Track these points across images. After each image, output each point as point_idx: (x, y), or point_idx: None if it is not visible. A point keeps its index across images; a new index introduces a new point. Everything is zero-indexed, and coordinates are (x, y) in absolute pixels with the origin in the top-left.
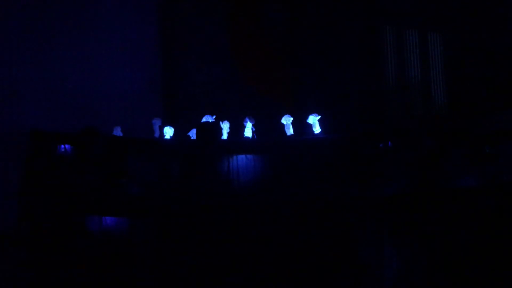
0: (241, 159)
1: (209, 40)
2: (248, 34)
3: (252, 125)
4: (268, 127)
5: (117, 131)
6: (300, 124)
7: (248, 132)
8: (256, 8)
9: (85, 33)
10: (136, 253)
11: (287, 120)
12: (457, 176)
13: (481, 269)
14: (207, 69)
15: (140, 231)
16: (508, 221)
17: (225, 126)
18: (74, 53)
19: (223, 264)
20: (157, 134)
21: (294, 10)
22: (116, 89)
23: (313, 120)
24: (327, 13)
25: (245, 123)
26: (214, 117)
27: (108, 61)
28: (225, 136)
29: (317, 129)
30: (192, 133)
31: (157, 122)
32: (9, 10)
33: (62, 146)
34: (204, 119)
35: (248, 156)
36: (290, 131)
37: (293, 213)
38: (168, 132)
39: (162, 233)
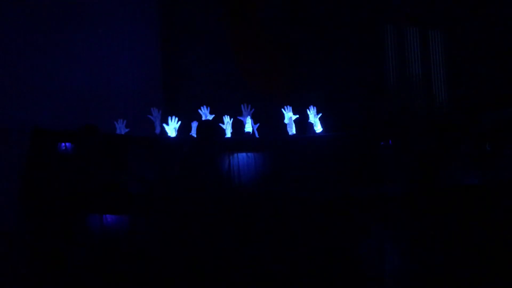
0: (241, 157)
1: (209, 36)
2: (249, 30)
3: (252, 120)
4: (269, 124)
5: (121, 125)
6: (301, 123)
7: (248, 127)
8: (257, 4)
9: (85, 30)
10: (137, 251)
11: (289, 118)
12: (459, 174)
13: (484, 268)
14: (208, 65)
15: (141, 229)
16: (511, 219)
17: (228, 127)
18: (74, 50)
19: (224, 262)
20: (158, 130)
21: (295, 7)
22: (117, 86)
23: (314, 119)
24: (327, 11)
25: (244, 119)
26: (213, 116)
27: (108, 58)
28: (228, 133)
29: (318, 128)
30: (194, 132)
31: (157, 115)
32: (9, 8)
33: (63, 144)
34: (202, 116)
35: (249, 154)
36: (292, 130)
37: (294, 212)
38: (172, 124)
39: (163, 230)
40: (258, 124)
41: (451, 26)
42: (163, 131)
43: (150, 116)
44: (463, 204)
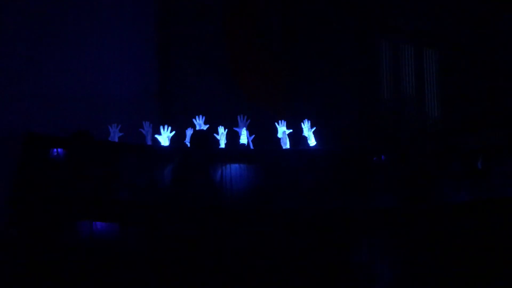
0: (234, 168)
1: (206, 46)
2: (245, 42)
3: (247, 131)
4: (263, 136)
5: (115, 129)
6: (295, 136)
7: (243, 139)
8: (254, 18)
9: (81, 36)
10: (126, 259)
11: (282, 133)
12: (449, 191)
13: (474, 283)
14: (204, 75)
15: (131, 237)
16: (500, 237)
17: (222, 137)
18: (70, 56)
19: (214, 271)
20: (149, 141)
21: (292, 21)
22: (112, 93)
23: (308, 132)
24: (323, 26)
25: (239, 130)
26: (207, 126)
27: (104, 65)
28: (222, 143)
29: (312, 142)
30: (188, 142)
31: (148, 129)
32: (4, 11)
33: (55, 150)
34: (197, 126)
35: (242, 165)
36: (286, 144)
37: (286, 224)
38: (165, 133)
39: (153, 239)
40: (253, 136)
41: (445, 45)
42: (155, 143)
43: (142, 130)
44: (454, 221)
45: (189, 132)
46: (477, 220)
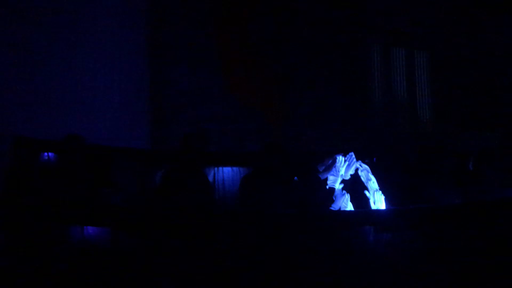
0: (226, 171)
1: (197, 50)
2: (236, 45)
3: None
4: (254, 139)
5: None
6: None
7: None
8: (245, 20)
9: (71, 39)
10: (118, 264)
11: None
12: (440, 193)
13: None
14: (195, 78)
15: (122, 241)
16: (491, 239)
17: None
18: (60, 59)
19: (206, 276)
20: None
21: (282, 24)
22: (103, 96)
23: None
24: (314, 28)
25: None
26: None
27: (95, 68)
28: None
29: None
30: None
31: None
32: None
33: (46, 153)
34: None
35: (234, 168)
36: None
37: (279, 226)
38: None
39: (145, 244)
40: None
41: (436, 47)
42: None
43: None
44: (444, 223)
45: None
46: (468, 222)
